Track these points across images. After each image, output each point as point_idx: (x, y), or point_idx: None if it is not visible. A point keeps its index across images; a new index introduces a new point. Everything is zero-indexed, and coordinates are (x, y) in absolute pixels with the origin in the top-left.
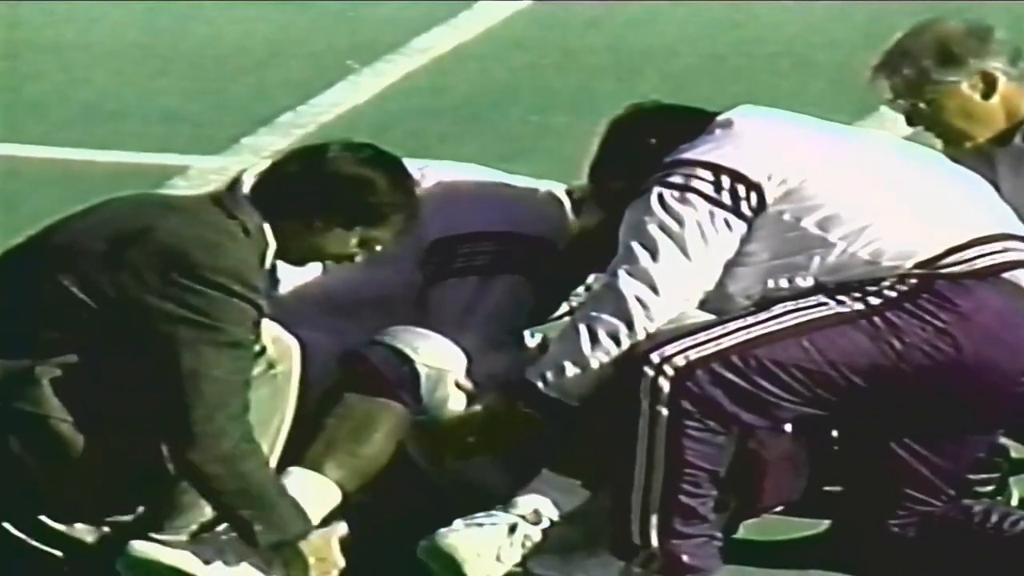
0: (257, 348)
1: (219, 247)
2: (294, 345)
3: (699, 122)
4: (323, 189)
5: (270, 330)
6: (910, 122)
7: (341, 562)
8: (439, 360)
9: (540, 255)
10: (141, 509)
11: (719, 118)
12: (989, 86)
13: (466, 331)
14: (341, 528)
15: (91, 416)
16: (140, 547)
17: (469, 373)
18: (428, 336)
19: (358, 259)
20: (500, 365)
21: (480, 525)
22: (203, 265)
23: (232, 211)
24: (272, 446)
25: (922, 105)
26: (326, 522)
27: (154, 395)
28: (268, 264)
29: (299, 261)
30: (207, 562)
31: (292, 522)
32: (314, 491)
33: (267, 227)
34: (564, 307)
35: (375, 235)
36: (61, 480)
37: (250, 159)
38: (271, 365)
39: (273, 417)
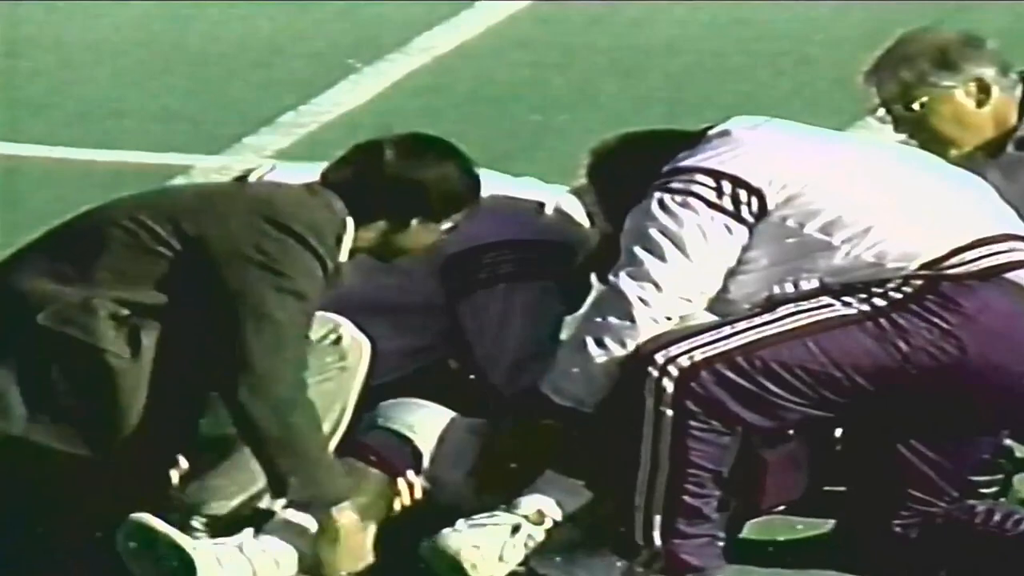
0: (332, 338)
1: (303, 203)
2: (365, 345)
3: (686, 143)
4: (419, 192)
5: (346, 327)
6: (897, 127)
7: (370, 558)
8: (435, 431)
9: (562, 260)
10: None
11: (715, 128)
12: (983, 93)
13: (506, 342)
14: (372, 528)
15: (145, 355)
16: (139, 516)
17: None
18: (420, 407)
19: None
20: (540, 374)
21: (483, 525)
22: (285, 213)
23: (314, 189)
24: (328, 438)
25: (916, 107)
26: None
27: (214, 334)
28: (345, 254)
29: (384, 256)
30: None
31: (329, 483)
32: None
33: (350, 221)
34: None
35: (455, 221)
36: (101, 415)
37: (252, 158)
38: (342, 357)
39: (332, 410)
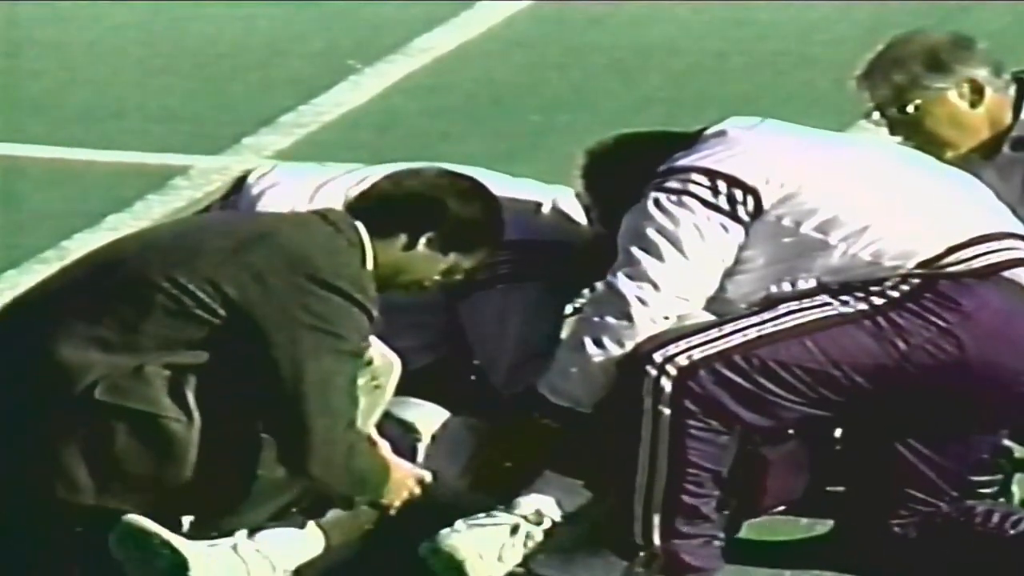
0: (365, 360)
1: (340, 253)
2: (396, 363)
3: (681, 144)
4: (432, 208)
5: (376, 347)
6: (893, 131)
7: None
8: (431, 429)
9: (561, 260)
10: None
11: (710, 129)
12: (977, 94)
13: (505, 342)
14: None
15: (200, 416)
16: (131, 517)
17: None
18: (416, 405)
19: (428, 286)
20: (539, 374)
21: (482, 525)
22: (326, 270)
23: (338, 226)
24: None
25: (910, 110)
26: (309, 566)
27: (271, 400)
28: None
29: (382, 284)
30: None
31: (381, 483)
32: (302, 537)
33: (368, 247)
34: (568, 308)
35: (462, 263)
36: (167, 478)
37: (252, 159)
38: (374, 377)
39: (365, 425)
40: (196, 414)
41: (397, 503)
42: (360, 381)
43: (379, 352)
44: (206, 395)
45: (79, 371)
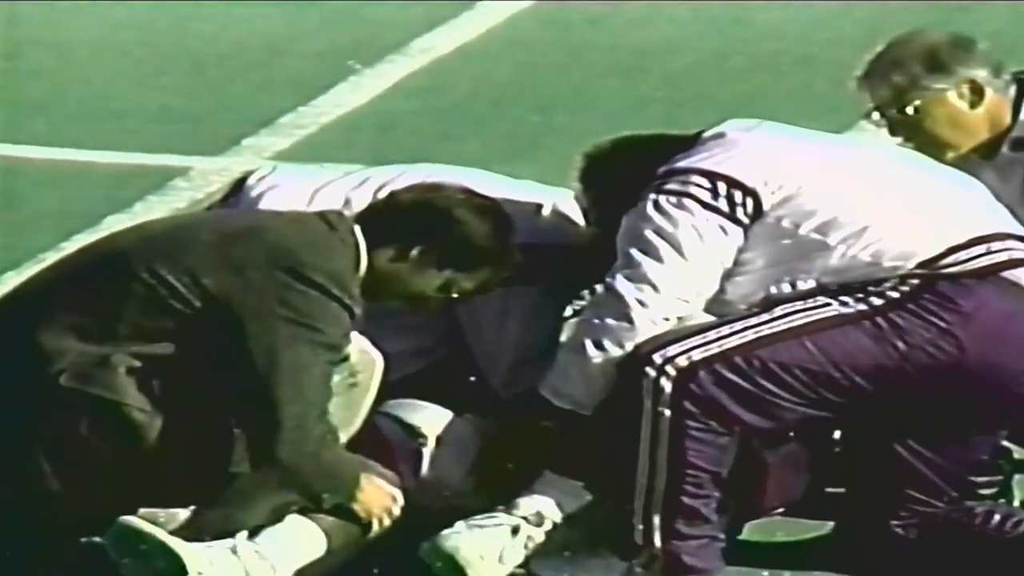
0: (342, 355)
1: (322, 249)
2: (378, 360)
3: (680, 147)
4: (432, 222)
5: (357, 341)
6: (893, 132)
7: (396, 500)
8: (436, 431)
9: (559, 262)
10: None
11: (709, 131)
12: (976, 95)
13: (504, 344)
14: (395, 491)
15: (168, 406)
16: (127, 519)
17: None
18: (423, 408)
19: (431, 303)
20: (537, 376)
21: (483, 527)
22: (306, 264)
23: (334, 225)
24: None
25: (909, 111)
26: (310, 569)
27: (244, 389)
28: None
29: (376, 295)
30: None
31: (351, 484)
32: (303, 540)
33: (363, 250)
34: (568, 311)
35: (460, 281)
36: (128, 467)
37: (251, 159)
38: (352, 374)
39: (344, 428)
40: (163, 405)
41: (375, 520)
42: (336, 378)
43: (358, 348)
44: (179, 387)
45: (52, 358)
